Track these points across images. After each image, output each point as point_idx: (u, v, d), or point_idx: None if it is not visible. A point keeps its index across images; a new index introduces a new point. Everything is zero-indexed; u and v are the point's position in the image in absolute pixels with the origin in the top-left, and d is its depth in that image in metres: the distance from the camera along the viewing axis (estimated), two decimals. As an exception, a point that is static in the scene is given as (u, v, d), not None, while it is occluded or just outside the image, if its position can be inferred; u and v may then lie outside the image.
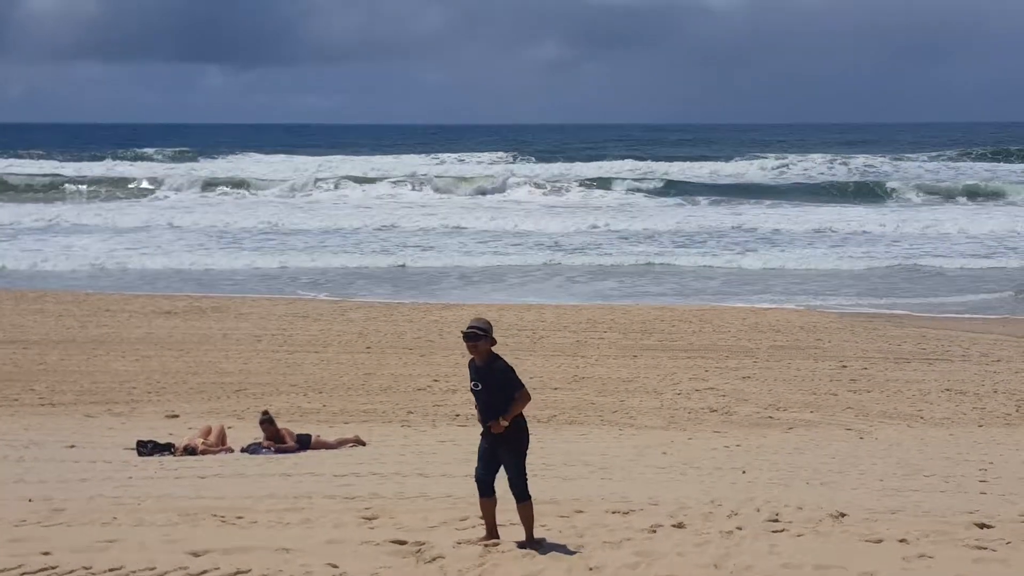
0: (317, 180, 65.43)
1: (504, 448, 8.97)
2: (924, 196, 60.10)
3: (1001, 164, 78.78)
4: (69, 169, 73.66)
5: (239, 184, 65.40)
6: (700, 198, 59.84)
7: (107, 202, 59.05)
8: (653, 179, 67.03)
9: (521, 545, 9.07)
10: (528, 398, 9.00)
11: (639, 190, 62.46)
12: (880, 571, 8.60)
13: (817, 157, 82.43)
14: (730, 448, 14.92)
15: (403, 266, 36.75)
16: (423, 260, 37.98)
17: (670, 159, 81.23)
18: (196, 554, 8.91)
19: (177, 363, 21.01)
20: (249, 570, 8.57)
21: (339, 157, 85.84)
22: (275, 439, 14.92)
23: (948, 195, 60.03)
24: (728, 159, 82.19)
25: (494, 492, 9.10)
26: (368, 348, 22.57)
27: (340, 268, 36.42)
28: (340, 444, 15.12)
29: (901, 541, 9.36)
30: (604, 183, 64.79)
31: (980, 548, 9.23)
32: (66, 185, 65.20)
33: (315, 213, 52.56)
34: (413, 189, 63.91)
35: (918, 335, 24.18)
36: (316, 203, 58.47)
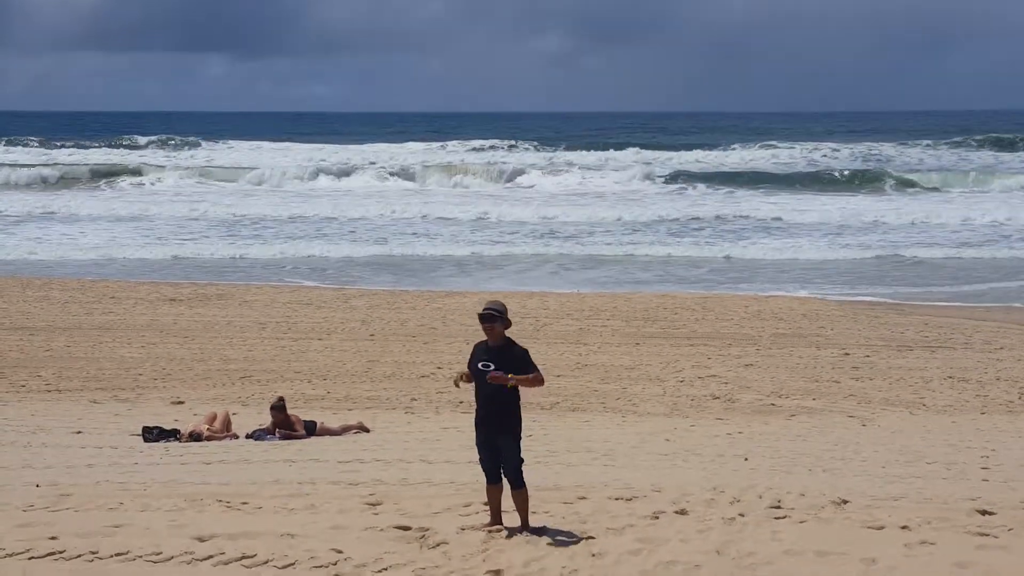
0: (319, 171, 65.14)
1: (502, 435, 8.96)
2: (917, 185, 59.51)
3: (1004, 152, 78.47)
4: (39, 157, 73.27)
5: (205, 174, 65.07)
6: (700, 185, 59.71)
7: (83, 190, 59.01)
8: (651, 165, 66.92)
9: (516, 532, 9.10)
10: (543, 382, 9.08)
11: (638, 177, 62.28)
12: (882, 557, 8.63)
13: (817, 145, 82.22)
14: (732, 435, 14.96)
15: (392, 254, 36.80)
16: (411, 248, 37.96)
17: (671, 147, 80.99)
18: (202, 539, 8.96)
19: (182, 350, 21.07)
20: (254, 555, 8.62)
21: (341, 146, 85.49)
22: (285, 426, 14.97)
23: (940, 183, 59.43)
24: (728, 148, 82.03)
25: (501, 479, 9.14)
26: (372, 335, 22.62)
27: (371, 256, 36.35)
28: (344, 431, 15.18)
29: (903, 528, 9.39)
30: (597, 170, 64.82)
31: (982, 535, 9.25)
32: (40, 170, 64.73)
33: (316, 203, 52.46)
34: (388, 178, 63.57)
35: (920, 322, 24.20)
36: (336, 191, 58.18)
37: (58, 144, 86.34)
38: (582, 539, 9.03)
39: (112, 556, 8.57)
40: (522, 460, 9.07)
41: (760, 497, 10.38)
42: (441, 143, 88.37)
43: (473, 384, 9.08)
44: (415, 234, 41.76)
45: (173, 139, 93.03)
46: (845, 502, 10.22)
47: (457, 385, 9.37)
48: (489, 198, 53.70)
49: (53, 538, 8.91)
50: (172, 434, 14.79)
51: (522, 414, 9.14)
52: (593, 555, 8.68)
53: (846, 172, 64.32)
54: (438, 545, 8.91)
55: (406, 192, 58.33)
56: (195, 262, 35.14)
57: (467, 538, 9.07)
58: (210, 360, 20.31)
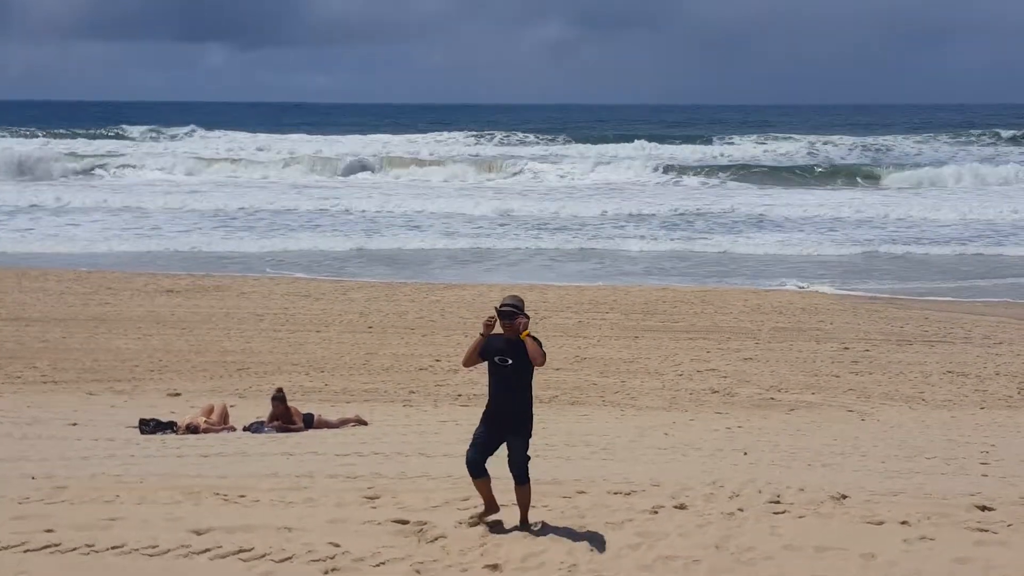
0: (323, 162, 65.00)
1: (517, 436, 8.93)
2: (907, 181, 59.14)
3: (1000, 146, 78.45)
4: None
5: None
6: (693, 178, 59.64)
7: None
8: (645, 159, 66.86)
9: (517, 527, 9.07)
10: (543, 363, 9.00)
11: (640, 169, 62.24)
12: (881, 553, 8.62)
13: (816, 138, 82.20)
14: (731, 429, 14.94)
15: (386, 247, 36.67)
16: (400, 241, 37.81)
17: (667, 140, 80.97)
18: (199, 532, 8.93)
19: (179, 342, 21.03)
20: (252, 548, 8.59)
21: (352, 137, 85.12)
22: (283, 418, 14.94)
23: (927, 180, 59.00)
24: (726, 140, 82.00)
25: (486, 471, 9.06)
26: (370, 328, 22.58)
27: (417, 250, 36.14)
28: (342, 424, 15.15)
29: (902, 523, 9.37)
30: (598, 162, 64.86)
31: (981, 530, 9.24)
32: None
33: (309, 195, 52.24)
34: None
35: (920, 317, 24.18)
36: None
37: (40, 133, 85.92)
38: (581, 533, 9.00)
39: (108, 549, 8.54)
40: (528, 457, 9.05)
41: (759, 492, 10.36)
42: (439, 136, 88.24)
43: (487, 375, 9.04)
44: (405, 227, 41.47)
45: (160, 130, 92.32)
46: (844, 497, 10.19)
47: (490, 323, 8.95)
48: (488, 190, 53.53)
49: (49, 531, 8.88)
50: (169, 426, 14.74)
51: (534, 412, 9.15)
52: (592, 549, 8.66)
53: (842, 165, 64.20)
54: (436, 539, 8.88)
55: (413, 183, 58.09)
56: (177, 256, 34.88)
57: (465, 532, 9.04)
58: (207, 352, 20.27)
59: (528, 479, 9.05)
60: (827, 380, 18.60)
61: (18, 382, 18.11)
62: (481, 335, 8.98)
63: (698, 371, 19.13)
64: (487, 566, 8.34)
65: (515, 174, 61.75)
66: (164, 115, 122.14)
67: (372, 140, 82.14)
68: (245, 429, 14.92)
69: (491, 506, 9.23)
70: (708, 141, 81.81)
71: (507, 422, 8.91)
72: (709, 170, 62.66)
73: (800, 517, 9.56)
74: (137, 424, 14.74)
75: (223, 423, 14.98)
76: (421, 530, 9.06)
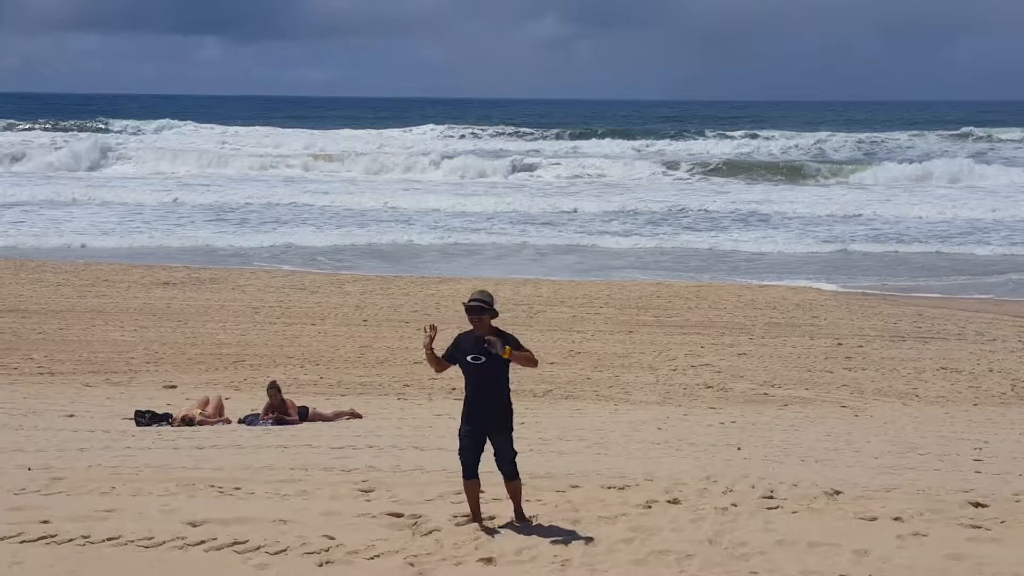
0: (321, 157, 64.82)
1: (499, 431, 8.86)
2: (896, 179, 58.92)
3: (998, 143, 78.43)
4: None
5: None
6: (684, 175, 59.60)
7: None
8: (637, 155, 66.85)
9: (511, 521, 9.08)
10: (537, 363, 8.98)
11: (636, 166, 62.24)
12: (874, 549, 8.64)
13: (809, 135, 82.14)
14: (725, 424, 14.97)
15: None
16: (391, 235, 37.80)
17: (659, 136, 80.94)
18: (194, 524, 8.94)
19: (175, 334, 21.04)
20: (246, 540, 8.61)
21: (347, 131, 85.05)
22: (279, 410, 14.96)
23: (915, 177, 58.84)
24: (721, 136, 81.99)
25: (478, 475, 9.02)
26: (365, 321, 22.60)
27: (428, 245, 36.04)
28: (336, 416, 15.17)
29: (895, 519, 9.39)
30: (595, 158, 64.83)
31: (974, 527, 9.26)
32: None
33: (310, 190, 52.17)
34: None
35: (914, 313, 24.23)
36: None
37: (24, 127, 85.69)
38: (574, 527, 9.03)
39: (104, 540, 8.55)
40: (515, 452, 9.00)
41: (753, 487, 10.39)
42: (435, 129, 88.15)
43: (462, 373, 8.95)
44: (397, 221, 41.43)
45: (144, 123, 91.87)
46: (838, 493, 10.22)
47: (428, 343, 8.87)
48: (480, 185, 53.42)
49: (45, 522, 8.89)
50: (164, 418, 14.76)
51: (513, 405, 9.09)
52: (585, 543, 8.68)
53: (833, 161, 64.10)
54: (430, 532, 8.90)
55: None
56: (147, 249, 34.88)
57: (459, 526, 9.05)
58: (203, 344, 20.28)
59: (518, 475, 8.99)
60: (821, 376, 18.64)
61: (15, 373, 18.12)
62: (428, 352, 8.86)
63: (692, 366, 19.17)
64: (481, 560, 8.36)
65: (510, 170, 61.63)
66: (158, 108, 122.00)
67: (364, 134, 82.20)
68: (240, 421, 14.94)
69: (476, 514, 9.14)
70: (701, 134, 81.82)
71: (488, 419, 8.85)
72: (701, 165, 62.66)
73: (793, 512, 9.59)
74: (133, 416, 14.75)
75: (218, 415, 15.00)
76: (415, 523, 9.08)
